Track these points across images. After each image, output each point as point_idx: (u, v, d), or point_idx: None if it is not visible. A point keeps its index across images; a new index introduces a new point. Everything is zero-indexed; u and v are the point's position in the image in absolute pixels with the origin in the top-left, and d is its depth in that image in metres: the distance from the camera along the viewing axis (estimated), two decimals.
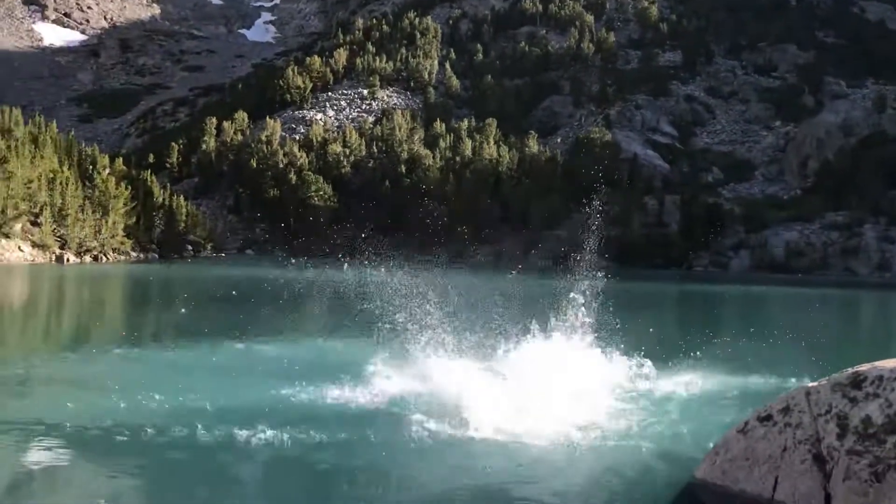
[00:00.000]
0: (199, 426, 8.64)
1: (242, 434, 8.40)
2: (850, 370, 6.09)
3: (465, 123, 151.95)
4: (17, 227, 60.98)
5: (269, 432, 8.33)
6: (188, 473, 7.73)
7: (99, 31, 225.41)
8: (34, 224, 63.40)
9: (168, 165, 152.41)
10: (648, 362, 11.98)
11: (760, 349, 19.67)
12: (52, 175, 66.87)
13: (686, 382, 11.40)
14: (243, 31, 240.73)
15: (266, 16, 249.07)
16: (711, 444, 6.53)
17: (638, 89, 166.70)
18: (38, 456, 7.70)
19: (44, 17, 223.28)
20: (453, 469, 7.08)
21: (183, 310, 25.00)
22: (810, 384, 6.19)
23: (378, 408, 9.83)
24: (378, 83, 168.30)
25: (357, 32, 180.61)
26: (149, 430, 8.56)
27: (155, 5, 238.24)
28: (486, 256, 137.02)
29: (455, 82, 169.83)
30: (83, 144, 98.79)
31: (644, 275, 67.61)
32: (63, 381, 11.90)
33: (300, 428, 8.54)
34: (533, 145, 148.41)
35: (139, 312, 26.11)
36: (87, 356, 15.00)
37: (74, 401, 10.08)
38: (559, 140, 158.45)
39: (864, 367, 6.13)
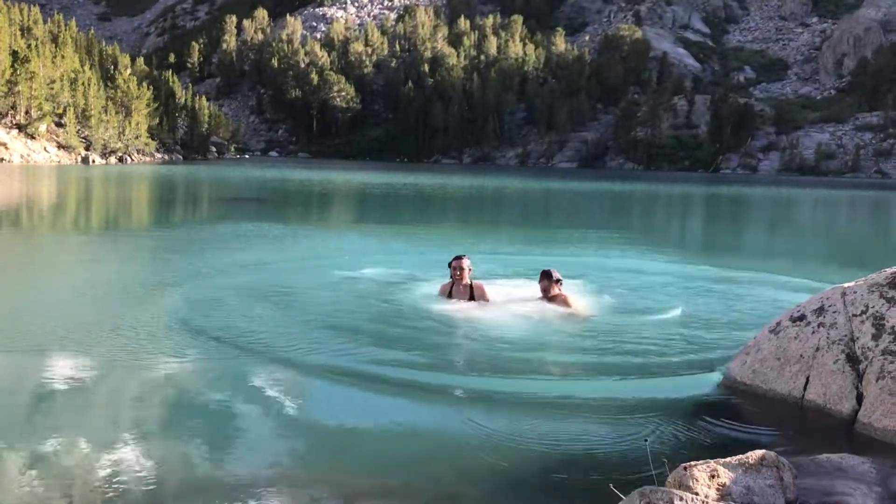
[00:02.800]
0: None
1: None
2: (888, 270, 5.94)
3: (490, 20, 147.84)
4: (42, 127, 61.09)
5: None
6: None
7: None
8: (59, 125, 63.46)
9: (189, 66, 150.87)
10: (680, 259, 11.82)
11: (795, 249, 19.51)
12: (73, 75, 66.42)
13: (719, 281, 11.31)
14: None
15: None
16: (742, 345, 6.48)
17: None
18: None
19: None
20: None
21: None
22: (846, 284, 6.07)
23: None
24: None
25: None
26: None
27: None
28: (511, 158, 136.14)
29: None
30: (103, 44, 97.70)
31: (676, 177, 66.90)
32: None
33: None
34: (560, 43, 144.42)
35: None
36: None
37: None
38: (587, 38, 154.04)
39: None
